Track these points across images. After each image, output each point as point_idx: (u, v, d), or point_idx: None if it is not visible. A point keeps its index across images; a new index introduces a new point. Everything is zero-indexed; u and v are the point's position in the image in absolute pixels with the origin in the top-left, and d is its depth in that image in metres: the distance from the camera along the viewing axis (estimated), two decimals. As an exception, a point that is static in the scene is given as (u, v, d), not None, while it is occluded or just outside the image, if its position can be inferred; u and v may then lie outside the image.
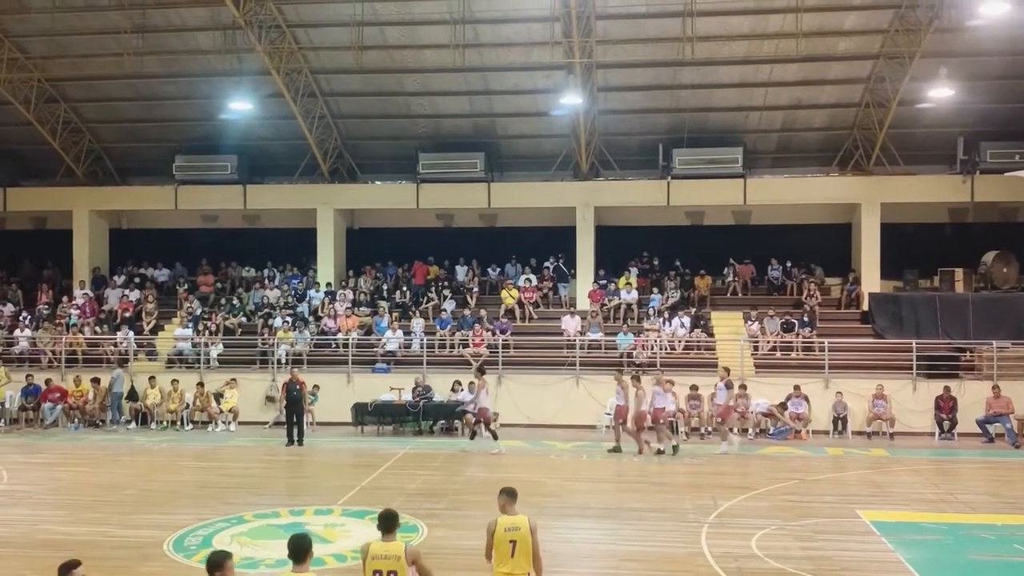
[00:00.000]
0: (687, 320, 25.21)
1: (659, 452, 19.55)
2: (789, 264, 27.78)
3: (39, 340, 26.11)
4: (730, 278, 27.82)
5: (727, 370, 21.35)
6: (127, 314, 27.12)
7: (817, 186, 27.12)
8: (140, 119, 27.87)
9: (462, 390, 22.75)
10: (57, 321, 26.84)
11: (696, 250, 28.09)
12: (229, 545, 12.46)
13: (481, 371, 21.15)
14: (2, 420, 23.82)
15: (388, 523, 7.71)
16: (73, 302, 27.67)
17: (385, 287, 28.24)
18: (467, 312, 26.21)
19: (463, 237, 29.44)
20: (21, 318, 27.01)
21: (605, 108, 25.80)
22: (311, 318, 26.61)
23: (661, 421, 20.22)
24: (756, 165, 27.36)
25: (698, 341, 24.94)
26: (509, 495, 8.67)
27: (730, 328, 25.49)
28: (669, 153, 26.33)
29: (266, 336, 25.50)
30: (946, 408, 22.03)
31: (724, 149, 26.22)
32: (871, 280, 26.51)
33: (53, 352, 25.63)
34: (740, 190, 26.71)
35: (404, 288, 28.09)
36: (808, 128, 26.67)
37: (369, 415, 22.54)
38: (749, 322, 25.09)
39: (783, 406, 22.23)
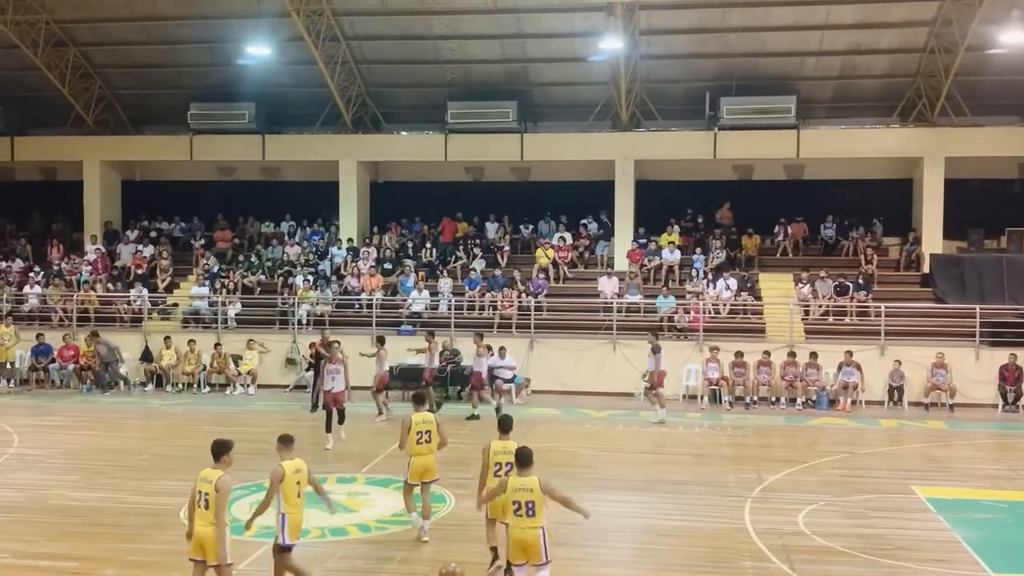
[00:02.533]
0: (733, 282, 25.06)
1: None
2: (844, 222, 27.46)
3: (49, 297, 26.50)
4: (780, 237, 27.58)
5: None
6: (140, 271, 27.43)
7: (876, 138, 26.71)
8: (153, 64, 27.96)
9: (492, 354, 22.84)
10: (68, 277, 27.19)
11: (744, 207, 27.83)
12: (249, 513, 12.65)
13: (480, 335, 21.46)
14: (12, 381, 24.28)
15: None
16: (84, 258, 28.03)
17: (411, 245, 28.31)
18: (498, 272, 26.23)
19: (494, 192, 29.37)
20: (31, 274, 27.40)
21: (647, 53, 25.48)
22: (333, 277, 26.77)
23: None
24: (810, 115, 26.96)
25: (744, 305, 24.82)
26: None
27: (779, 291, 25.32)
28: (716, 102, 26.02)
29: (286, 295, 25.70)
30: (1011, 378, 21.81)
31: (776, 98, 25.84)
32: (933, 240, 26.17)
33: (64, 310, 26.01)
34: (793, 142, 26.37)
35: (431, 246, 28.14)
36: (867, 75, 26.20)
37: (394, 379, 22.70)
38: (800, 285, 24.90)
39: (813, 359, 22.01)
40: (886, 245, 27.26)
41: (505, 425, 10.56)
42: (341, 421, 17.42)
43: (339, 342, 20.13)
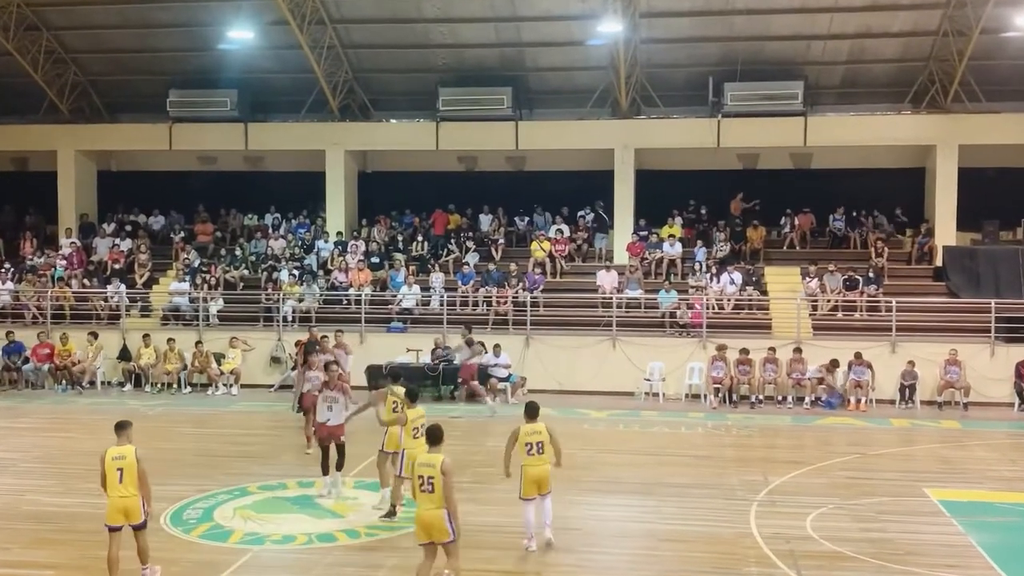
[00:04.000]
0: (738, 276, 25.11)
1: None
2: (854, 213, 27.52)
3: (22, 293, 26.47)
4: (787, 229, 27.64)
5: (468, 327, 22.23)
6: (118, 266, 27.41)
7: (887, 126, 26.74)
8: (130, 49, 27.90)
9: (486, 352, 22.90)
10: (41, 273, 27.16)
11: (749, 198, 27.87)
12: (232, 519, 12.69)
13: (468, 328, 21.89)
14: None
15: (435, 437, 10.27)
16: (59, 252, 27.99)
17: (401, 238, 28.31)
18: (492, 266, 26.25)
19: (488, 182, 29.38)
20: (2, 270, 27.34)
21: (648, 37, 25.49)
22: (320, 271, 26.78)
23: None
24: (818, 102, 26.99)
25: (750, 300, 24.87)
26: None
27: (786, 285, 25.37)
28: (720, 88, 26.03)
29: (270, 291, 25.71)
30: (1028, 376, 21.89)
31: (782, 83, 25.87)
32: (946, 232, 26.24)
33: (38, 307, 25.98)
34: (800, 130, 26.41)
35: (422, 239, 28.15)
36: (878, 60, 26.23)
37: (383, 378, 22.69)
38: (807, 278, 24.95)
39: (833, 364, 22.10)
40: (897, 237, 27.31)
41: (532, 410, 11.98)
42: (340, 465, 14.05)
43: (341, 330, 20.21)
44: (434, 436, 10.20)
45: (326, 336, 20.29)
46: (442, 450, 10.03)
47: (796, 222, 27.53)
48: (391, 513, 12.72)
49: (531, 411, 11.94)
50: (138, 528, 10.33)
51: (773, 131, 26.49)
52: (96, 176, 30.71)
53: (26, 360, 24.20)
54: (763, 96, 25.90)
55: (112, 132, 29.54)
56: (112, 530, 10.24)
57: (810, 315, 24.26)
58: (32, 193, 30.39)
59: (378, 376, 22.56)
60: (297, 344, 22.48)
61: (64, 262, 27.44)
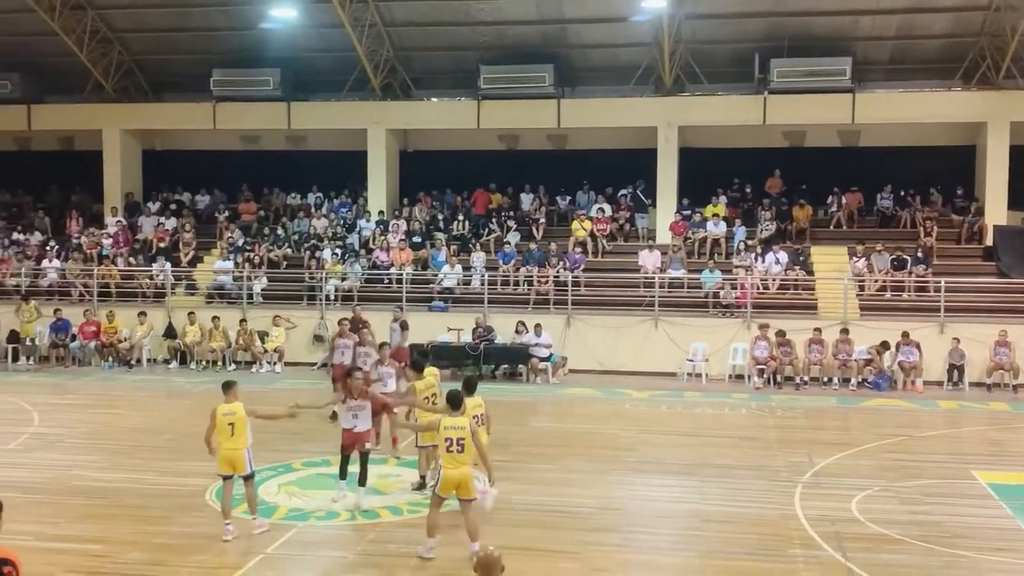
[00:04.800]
0: (783, 256, 24.89)
1: None
2: (902, 192, 27.13)
3: (69, 272, 26.87)
4: (834, 208, 27.33)
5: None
6: (163, 244, 27.75)
7: (937, 102, 26.31)
8: (174, 28, 28.10)
9: (527, 331, 22.93)
10: (88, 251, 27.55)
11: (796, 175, 27.57)
12: (277, 495, 12.85)
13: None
14: (32, 358, 24.70)
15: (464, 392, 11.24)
16: (105, 230, 28.36)
17: (442, 217, 28.37)
18: (533, 245, 26.23)
19: (529, 161, 29.33)
20: (49, 247, 27.78)
21: (693, 12, 25.23)
22: (362, 251, 26.92)
23: None
24: (867, 78, 26.60)
25: (795, 280, 24.65)
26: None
27: (833, 265, 25.12)
28: (766, 64, 25.74)
29: (313, 270, 25.89)
30: (1080, 358, 21.54)
31: (830, 59, 25.51)
32: (997, 211, 25.82)
33: (84, 285, 26.37)
34: (848, 107, 26.05)
35: (463, 218, 28.19)
36: (927, 35, 25.77)
37: (424, 358, 22.78)
38: (855, 258, 24.69)
39: (884, 347, 21.89)
40: (947, 216, 26.90)
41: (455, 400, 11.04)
42: (363, 480, 12.62)
43: (367, 323, 20.16)
44: (457, 401, 10.76)
45: (366, 327, 20.29)
46: (464, 413, 10.73)
47: (843, 201, 27.21)
48: (421, 486, 12.91)
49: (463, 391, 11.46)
50: (247, 478, 11.39)
51: (820, 108, 26.15)
52: (141, 155, 31.06)
53: (73, 337, 24.59)
54: (810, 72, 25.56)
55: (157, 111, 29.86)
56: (225, 478, 11.36)
57: (857, 295, 24.01)
58: (78, 172, 30.79)
59: (420, 354, 22.70)
60: (340, 323, 22.59)
61: (110, 240, 27.81)
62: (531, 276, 25.09)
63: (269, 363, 23.79)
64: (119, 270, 26.77)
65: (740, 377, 22.65)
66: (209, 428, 11.53)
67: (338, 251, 26.58)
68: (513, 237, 27.00)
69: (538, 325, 22.94)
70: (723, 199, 27.51)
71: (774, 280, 24.54)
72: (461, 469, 10.44)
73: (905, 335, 21.86)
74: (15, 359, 24.55)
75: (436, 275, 25.68)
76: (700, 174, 27.61)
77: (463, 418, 10.66)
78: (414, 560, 10.61)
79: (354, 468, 12.58)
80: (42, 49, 28.32)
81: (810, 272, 25.10)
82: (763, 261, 24.87)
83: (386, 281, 25.85)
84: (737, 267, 24.93)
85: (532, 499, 12.88)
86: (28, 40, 28.06)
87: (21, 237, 28.65)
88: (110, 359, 24.33)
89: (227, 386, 11.83)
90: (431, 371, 13.87)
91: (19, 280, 26.70)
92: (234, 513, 11.40)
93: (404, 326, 21.36)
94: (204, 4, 27.03)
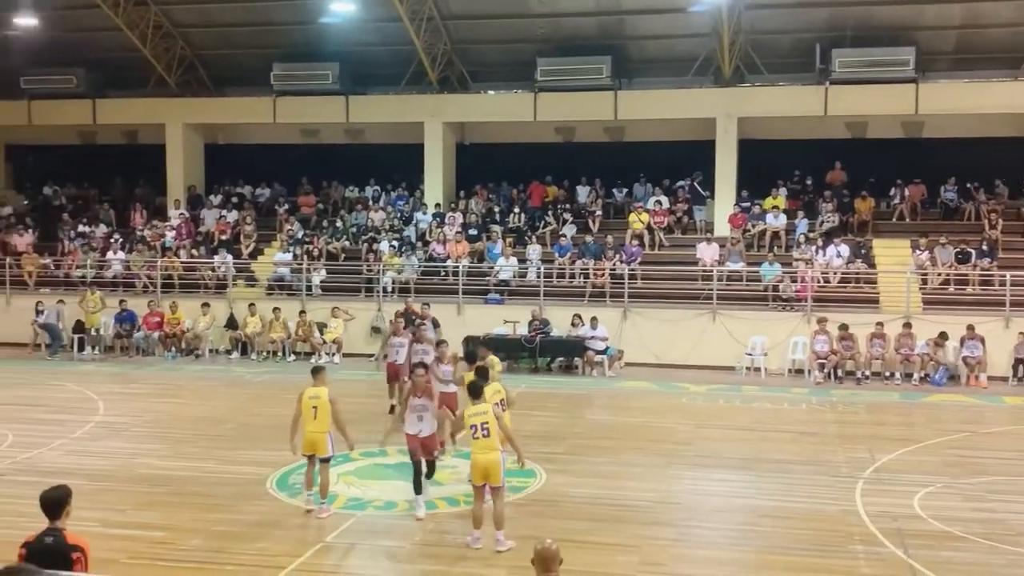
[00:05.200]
0: (845, 249, 24.54)
1: None
2: (967, 184, 26.59)
3: (133, 263, 27.38)
4: (897, 200, 26.86)
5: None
6: (224, 236, 28.14)
7: (1002, 92, 25.68)
8: (236, 23, 28.46)
9: (583, 324, 22.89)
10: (151, 243, 28.03)
11: (858, 167, 27.15)
12: (335, 485, 12.99)
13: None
14: (97, 348, 25.21)
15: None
16: (168, 223, 28.85)
17: (498, 209, 28.41)
18: (589, 238, 26.16)
19: (585, 153, 29.24)
20: (114, 240, 28.33)
21: (753, 2, 24.90)
22: (418, 243, 27.07)
23: None
24: (930, 68, 26.09)
25: (857, 273, 24.29)
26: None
27: (895, 258, 24.71)
28: (827, 54, 25.37)
29: (371, 262, 26.08)
30: None
31: (893, 49, 25.05)
32: (1066, 203, 25.20)
33: (148, 276, 26.85)
34: (911, 97, 25.57)
35: (519, 211, 28.19)
36: (993, 24, 25.17)
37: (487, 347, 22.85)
38: (918, 251, 24.26)
39: (942, 337, 21.48)
40: (1013, 208, 26.32)
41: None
42: (431, 472, 12.48)
43: (425, 318, 20.05)
44: (477, 390, 11.06)
45: (424, 322, 20.37)
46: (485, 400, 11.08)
47: (906, 193, 26.73)
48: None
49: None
50: (324, 461, 11.85)
51: (883, 99, 25.69)
52: (203, 149, 31.51)
53: (137, 328, 25.05)
54: (872, 62, 25.13)
55: (218, 106, 30.25)
56: (308, 458, 11.92)
57: (920, 289, 23.60)
58: (142, 165, 31.33)
59: (475, 346, 22.76)
60: (396, 315, 22.79)
61: (173, 233, 28.27)
62: (587, 269, 25.03)
63: (328, 354, 24.02)
64: (182, 262, 27.21)
65: (800, 372, 22.41)
66: (296, 410, 11.99)
67: (395, 243, 26.76)
68: (569, 230, 26.96)
69: (594, 318, 22.89)
70: (783, 191, 27.20)
71: (835, 273, 24.21)
72: (490, 455, 10.59)
73: (970, 329, 21.45)
74: (81, 349, 25.07)
75: (492, 267, 25.73)
76: (760, 166, 27.31)
77: (485, 404, 10.92)
78: (469, 550, 10.67)
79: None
80: (106, 44, 28.84)
81: (872, 265, 24.72)
82: (824, 254, 24.53)
83: (442, 273, 25.97)
84: (797, 260, 24.64)
85: (589, 492, 12.88)
86: (93, 36, 28.58)
87: (87, 229, 29.20)
88: (173, 349, 24.75)
89: (316, 371, 12.37)
90: (494, 360, 13.97)
91: (84, 271, 27.25)
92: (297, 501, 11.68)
93: (435, 323, 21.20)
94: (265, -1, 27.33)
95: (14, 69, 29.38)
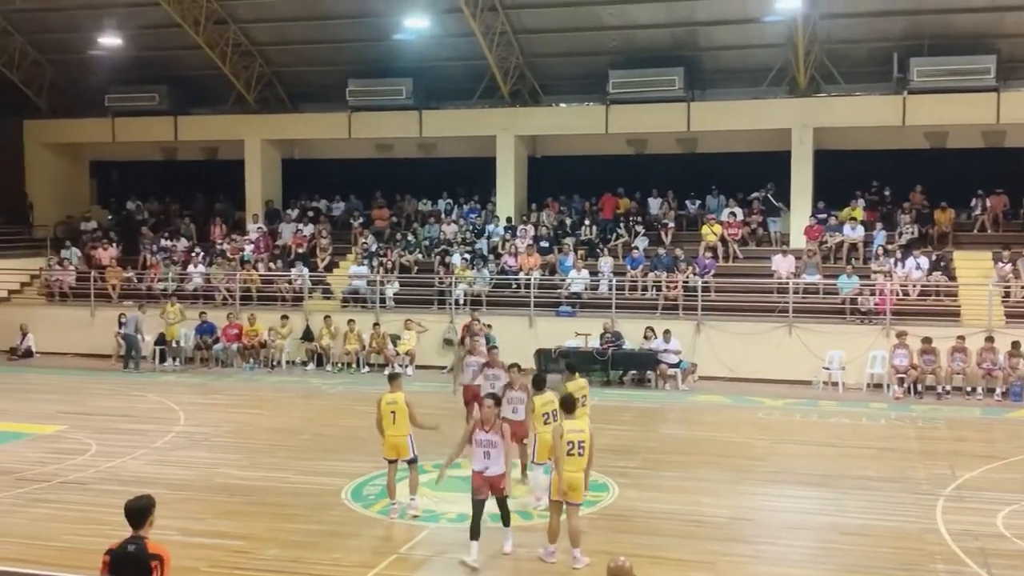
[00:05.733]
0: (924, 261, 24.01)
1: None
2: (1052, 194, 25.86)
3: (213, 276, 27.93)
4: (978, 211, 26.21)
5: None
6: (301, 250, 28.56)
7: (1091, 100, 24.96)
8: (311, 40, 28.92)
9: (655, 337, 22.73)
10: (231, 257, 28.58)
11: (937, 178, 26.56)
12: (406, 495, 13.05)
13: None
14: (177, 359, 25.76)
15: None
16: (246, 237, 29.38)
17: (570, 222, 28.39)
18: (661, 250, 25.99)
19: (658, 165, 29.08)
20: (194, 253, 28.94)
21: (828, 11, 24.60)
22: (490, 255, 27.16)
23: None
24: (1012, 76, 25.41)
25: (937, 285, 23.74)
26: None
27: (977, 270, 24.11)
28: (905, 63, 24.89)
29: (443, 275, 26.24)
30: None
31: (973, 58, 24.48)
32: None
33: (227, 289, 27.36)
34: (992, 106, 24.94)
35: (590, 223, 28.13)
36: (1079, 30, 24.50)
37: (553, 362, 22.86)
38: (1000, 263, 23.63)
39: (1015, 347, 20.85)
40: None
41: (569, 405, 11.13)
42: (506, 520, 11.22)
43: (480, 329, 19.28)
44: (570, 405, 10.97)
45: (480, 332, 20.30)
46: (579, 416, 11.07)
47: (988, 203, 26.05)
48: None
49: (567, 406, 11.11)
50: (410, 462, 12.39)
51: (963, 108, 25.10)
52: (280, 164, 32.06)
53: (216, 340, 25.53)
54: (952, 71, 24.58)
55: (295, 121, 30.77)
56: (390, 462, 12.38)
57: (1002, 301, 22.97)
58: (221, 181, 32.03)
59: (547, 359, 22.79)
60: (463, 328, 23.00)
61: (252, 246, 28.77)
62: (659, 281, 24.85)
63: (401, 365, 24.17)
64: (260, 275, 27.68)
65: (878, 386, 21.95)
66: (377, 417, 12.44)
67: (467, 256, 26.88)
68: (641, 242, 26.82)
69: (667, 331, 22.71)
70: (861, 202, 26.72)
71: (914, 286, 23.69)
72: (578, 473, 10.56)
73: (1054, 342, 20.82)
74: (162, 360, 25.63)
75: (564, 280, 25.70)
76: (836, 177, 26.87)
77: (581, 421, 10.93)
78: (544, 565, 10.63)
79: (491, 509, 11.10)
80: (187, 63, 29.55)
81: (952, 277, 24.14)
82: (903, 266, 24.03)
83: (514, 286, 26.01)
84: (876, 272, 24.17)
85: (662, 507, 12.77)
86: (174, 54, 29.30)
87: (168, 243, 29.88)
88: (251, 360, 25.16)
89: (392, 377, 12.93)
90: (580, 383, 13.57)
91: (166, 284, 27.88)
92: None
93: (488, 339, 20.43)
94: (340, 16, 27.73)
95: (99, 88, 30.31)
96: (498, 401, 11.50)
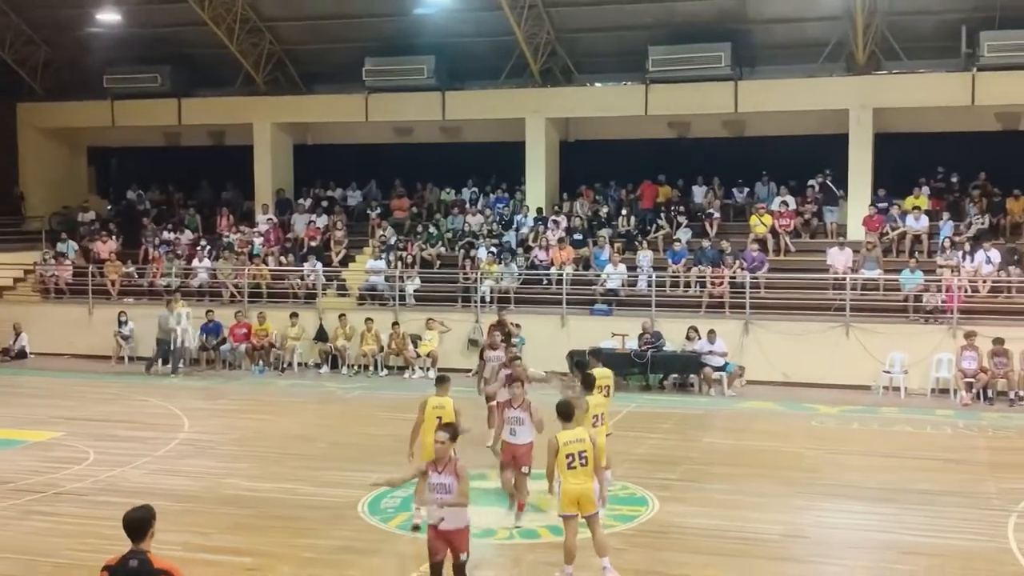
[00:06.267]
0: (995, 254, 23.82)
1: None
2: None
3: (220, 271, 28.09)
4: (1054, 199, 25.98)
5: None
6: (314, 242, 28.64)
7: None
8: (325, 15, 28.98)
9: (699, 338, 22.67)
10: (239, 250, 28.72)
11: (1009, 164, 26.30)
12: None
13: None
14: (181, 361, 25.92)
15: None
16: (256, 228, 29.52)
17: (606, 212, 28.36)
18: (706, 243, 25.92)
19: (702, 150, 28.99)
20: (200, 247, 29.11)
21: (890, -19, 24.48)
22: (519, 249, 27.17)
23: None
24: (1095, 50, 25.17)
25: (1009, 281, 23.54)
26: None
27: (1053, 264, 23.88)
28: (975, 38, 24.68)
29: (468, 270, 26.27)
30: None
31: (1051, 30, 24.27)
32: None
33: (235, 285, 27.51)
34: (1073, 85, 24.73)
35: (628, 213, 28.10)
36: None
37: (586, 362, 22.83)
38: (1079, 257, 23.42)
39: None
40: None
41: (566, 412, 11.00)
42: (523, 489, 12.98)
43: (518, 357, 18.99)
44: (567, 412, 10.90)
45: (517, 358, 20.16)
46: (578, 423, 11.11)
47: (1065, 191, 25.83)
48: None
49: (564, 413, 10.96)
50: None
51: (1039, 86, 24.89)
52: (292, 149, 32.21)
53: (223, 340, 25.70)
54: (1027, 46, 24.37)
55: (308, 104, 30.87)
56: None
57: (1082, 298, 22.77)
58: (228, 168, 32.19)
59: (582, 363, 22.71)
60: (490, 328, 22.95)
61: (261, 239, 28.90)
62: (704, 277, 24.78)
63: (422, 368, 24.28)
64: (270, 270, 27.76)
65: (944, 391, 21.79)
66: (418, 420, 12.52)
67: (494, 249, 26.89)
68: (684, 234, 26.74)
69: (711, 331, 22.64)
70: (925, 190, 26.52)
71: (985, 281, 23.50)
72: (585, 484, 10.61)
73: None
74: (165, 362, 25.78)
75: (599, 275, 25.66)
76: (898, 162, 26.71)
77: (580, 429, 10.93)
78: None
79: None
80: (192, 40, 29.75)
81: (1027, 272, 23.95)
82: (972, 260, 23.85)
83: (545, 282, 26.00)
84: (942, 267, 23.97)
85: (708, 523, 12.73)
86: (177, 32, 29.51)
87: (171, 236, 30.07)
88: (260, 363, 25.31)
89: (441, 380, 13.11)
90: (603, 374, 14.05)
91: (169, 280, 28.06)
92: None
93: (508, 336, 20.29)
94: (356, -11, 27.82)
95: (96, 68, 30.55)
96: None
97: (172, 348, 25.13)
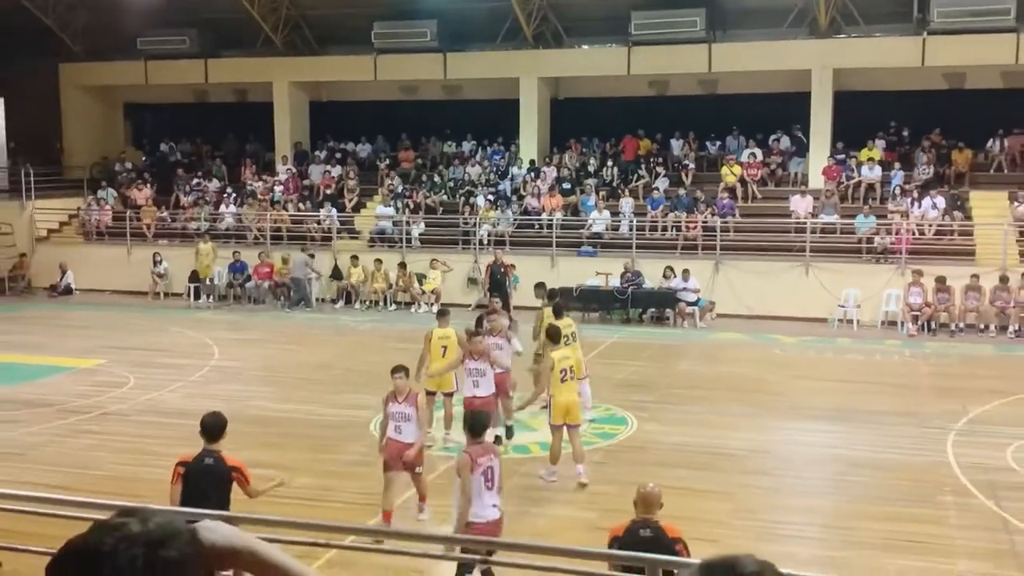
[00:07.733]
0: (941, 200, 23.73)
1: None
2: (1071, 135, 25.39)
3: (244, 216, 28.00)
4: (996, 151, 25.81)
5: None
6: (329, 191, 28.53)
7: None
8: (338, -18, 28.60)
9: (674, 276, 22.67)
10: (261, 197, 28.61)
11: (955, 118, 26.13)
12: (432, 429, 13.17)
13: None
14: (211, 296, 25.95)
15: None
16: (276, 178, 29.37)
17: (592, 163, 28.20)
18: (682, 191, 25.80)
19: (679, 107, 28.70)
20: (226, 194, 28.99)
21: (850, -48, 24.09)
22: (513, 197, 27.06)
23: None
24: (1032, 16, 24.87)
25: (952, 225, 23.50)
26: None
27: (993, 210, 23.80)
28: (925, 3, 24.36)
29: (467, 215, 26.19)
30: None
31: (994, -3, 23.95)
32: None
33: (259, 229, 27.43)
34: (1012, 47, 24.34)
35: (612, 165, 27.93)
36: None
37: (574, 301, 22.86)
38: (1016, 203, 23.31)
39: (1002, 282, 20.66)
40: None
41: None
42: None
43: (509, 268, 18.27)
44: (555, 335, 11.66)
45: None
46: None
47: (1005, 144, 25.63)
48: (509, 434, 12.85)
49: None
50: (448, 395, 12.69)
51: (984, 48, 24.54)
52: (308, 106, 31.92)
53: (248, 278, 25.68)
54: (972, 12, 24.00)
55: (322, 64, 30.54)
56: (429, 394, 12.29)
57: (1017, 241, 22.72)
58: (251, 122, 31.89)
59: (568, 298, 22.74)
60: (486, 268, 23.05)
61: (281, 187, 28.78)
62: (679, 222, 24.71)
63: (427, 304, 24.29)
64: (290, 215, 27.71)
65: (893, 324, 21.86)
66: (424, 350, 12.68)
67: (491, 197, 26.79)
68: (662, 183, 26.60)
69: (686, 270, 22.64)
70: (879, 143, 26.33)
71: (931, 225, 23.44)
72: (573, 395, 11.15)
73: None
74: (196, 297, 25.82)
75: (585, 221, 25.59)
76: (855, 118, 26.44)
77: (568, 349, 11.58)
78: (561, 491, 10.74)
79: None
80: (217, 5, 29.22)
81: (968, 217, 23.87)
82: (919, 206, 23.76)
83: (536, 227, 25.93)
84: (892, 212, 23.91)
85: (683, 440, 12.84)
86: (204, -2, 29.05)
87: (200, 184, 29.93)
88: (283, 298, 25.30)
89: (442, 314, 13.32)
90: (566, 323, 12.95)
91: (199, 224, 27.98)
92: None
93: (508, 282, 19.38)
94: (365, -43, 27.34)
95: (131, 31, 30.10)
96: (407, 372, 10.28)
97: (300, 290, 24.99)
